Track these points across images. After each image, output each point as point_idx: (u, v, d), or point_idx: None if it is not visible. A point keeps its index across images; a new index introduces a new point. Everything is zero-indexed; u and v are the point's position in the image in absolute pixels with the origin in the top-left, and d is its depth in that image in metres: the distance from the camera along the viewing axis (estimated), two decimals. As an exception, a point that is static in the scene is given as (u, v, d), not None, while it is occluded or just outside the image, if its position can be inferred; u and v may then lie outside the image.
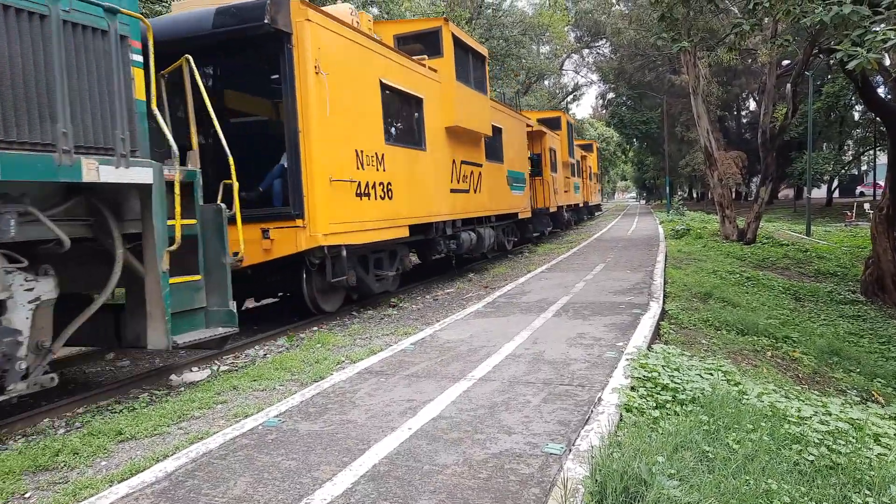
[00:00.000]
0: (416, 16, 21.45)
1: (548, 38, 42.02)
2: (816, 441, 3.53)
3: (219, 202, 5.86)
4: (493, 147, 13.63)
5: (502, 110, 14.67)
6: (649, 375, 4.43)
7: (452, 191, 11.11)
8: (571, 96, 58.33)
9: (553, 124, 21.71)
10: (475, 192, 12.21)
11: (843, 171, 42.82)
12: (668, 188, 41.31)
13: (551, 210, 19.53)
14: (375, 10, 21.15)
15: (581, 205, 29.75)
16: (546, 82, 48.10)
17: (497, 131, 13.62)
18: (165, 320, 4.90)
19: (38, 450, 3.86)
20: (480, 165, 12.54)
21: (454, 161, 11.27)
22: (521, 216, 15.89)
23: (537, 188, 18.51)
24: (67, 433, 4.35)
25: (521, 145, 16.43)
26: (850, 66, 5.92)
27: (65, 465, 3.66)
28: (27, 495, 3.30)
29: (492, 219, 13.34)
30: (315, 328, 7.83)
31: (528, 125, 17.42)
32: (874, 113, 18.30)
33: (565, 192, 22.87)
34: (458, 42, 11.26)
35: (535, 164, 18.21)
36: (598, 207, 45.40)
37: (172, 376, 5.85)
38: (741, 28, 8.36)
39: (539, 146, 18.99)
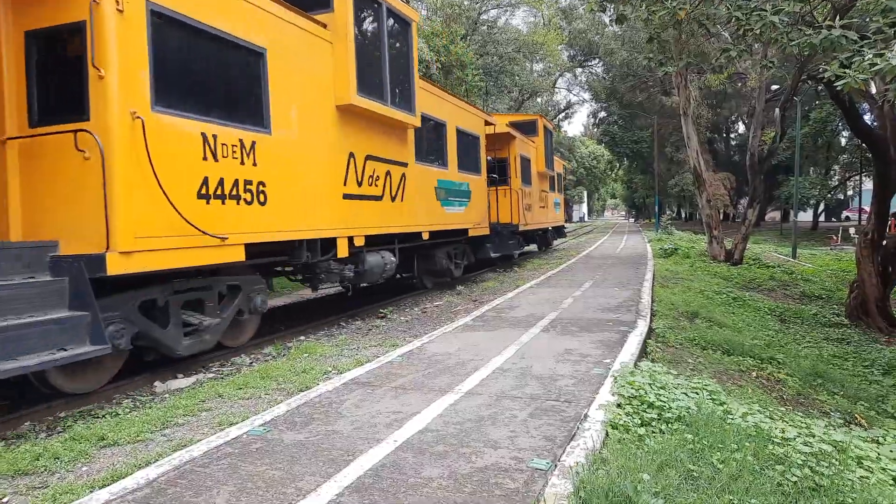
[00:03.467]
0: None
1: (541, 56, 42.47)
2: (800, 462, 3.55)
3: None
4: None
5: None
6: (635, 393, 4.44)
7: None
8: (563, 114, 58.87)
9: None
10: None
11: (829, 195, 43.41)
12: (657, 207, 41.61)
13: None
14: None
15: (489, 230, 14.17)
16: (539, 99, 48.45)
17: None
18: None
19: (17, 453, 3.81)
20: None
21: None
22: None
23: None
24: (49, 437, 4.30)
25: None
26: (839, 85, 6.02)
27: (45, 470, 3.62)
28: (5, 499, 3.25)
29: None
30: (302, 338, 7.80)
31: None
32: (860, 139, 18.57)
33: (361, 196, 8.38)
34: None
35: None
36: (559, 232, 27.17)
37: (157, 383, 5.80)
38: (729, 53, 8.53)
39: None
